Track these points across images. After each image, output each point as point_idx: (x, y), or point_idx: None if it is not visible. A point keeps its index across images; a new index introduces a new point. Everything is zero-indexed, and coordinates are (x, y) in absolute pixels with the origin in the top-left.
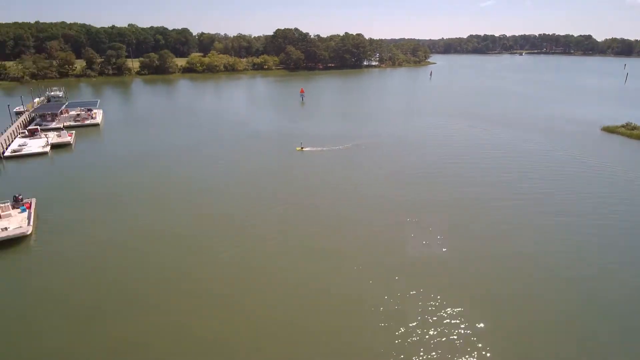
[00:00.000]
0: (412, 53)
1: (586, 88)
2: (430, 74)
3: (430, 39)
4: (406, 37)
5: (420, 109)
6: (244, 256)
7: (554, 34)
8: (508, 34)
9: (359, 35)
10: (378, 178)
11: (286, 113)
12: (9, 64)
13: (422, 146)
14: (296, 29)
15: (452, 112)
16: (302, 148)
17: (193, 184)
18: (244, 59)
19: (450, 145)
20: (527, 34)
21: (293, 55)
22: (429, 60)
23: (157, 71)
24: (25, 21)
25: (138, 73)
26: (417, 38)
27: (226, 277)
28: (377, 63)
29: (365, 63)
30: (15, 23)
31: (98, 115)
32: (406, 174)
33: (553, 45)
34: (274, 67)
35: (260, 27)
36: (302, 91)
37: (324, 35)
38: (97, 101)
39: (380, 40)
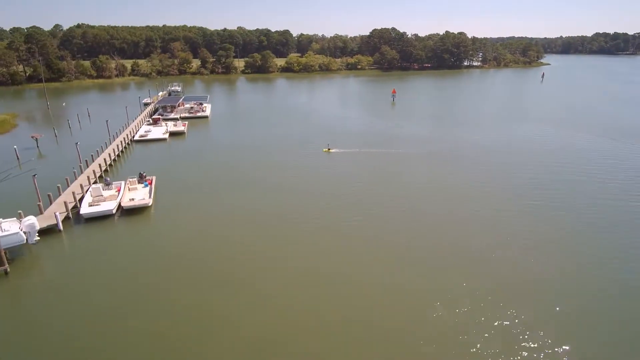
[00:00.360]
0: (522, 53)
1: None
2: (542, 76)
3: (545, 38)
4: (516, 36)
5: (523, 114)
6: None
7: None
8: None
9: (460, 34)
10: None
11: (374, 113)
12: (140, 61)
13: (508, 158)
14: (393, 29)
15: (563, 120)
16: (329, 149)
17: (275, 173)
18: (339, 59)
19: (546, 159)
20: None
21: (388, 55)
22: (541, 60)
23: (259, 70)
24: (155, 24)
25: (242, 72)
26: (529, 36)
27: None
28: (479, 63)
29: (465, 63)
30: (147, 26)
31: (207, 109)
32: (455, 188)
33: None
34: (367, 67)
35: (357, 28)
36: (393, 92)
37: (422, 34)
38: (207, 96)
39: (485, 39)
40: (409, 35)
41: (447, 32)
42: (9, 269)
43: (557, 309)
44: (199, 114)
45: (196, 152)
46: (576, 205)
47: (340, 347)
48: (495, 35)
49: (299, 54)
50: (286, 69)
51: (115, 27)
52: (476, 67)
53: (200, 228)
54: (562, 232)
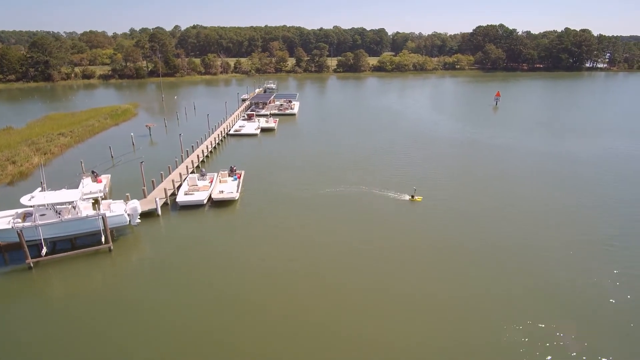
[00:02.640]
0: None
1: None
2: None
3: None
4: None
5: None
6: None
7: None
8: None
9: (584, 31)
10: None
11: (471, 118)
12: (242, 60)
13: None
14: (501, 26)
15: None
16: (413, 197)
17: (355, 176)
18: (435, 58)
19: None
20: None
21: (492, 54)
22: None
23: (350, 69)
24: (257, 25)
25: (334, 70)
26: None
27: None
28: (605, 65)
29: (587, 65)
30: (251, 27)
31: (295, 107)
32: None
33: None
34: (467, 67)
35: (458, 25)
36: (497, 94)
37: (535, 32)
38: (296, 94)
39: (615, 37)
40: (520, 33)
41: (567, 28)
42: (112, 247)
43: None
44: (287, 112)
45: (283, 150)
46: None
47: None
48: (627, 33)
49: (393, 53)
50: (378, 68)
51: (224, 27)
52: (601, 69)
53: (278, 228)
54: None
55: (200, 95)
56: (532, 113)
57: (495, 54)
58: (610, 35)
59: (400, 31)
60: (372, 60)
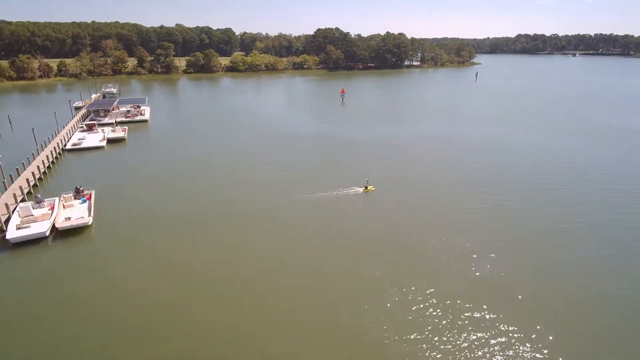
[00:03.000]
0: (456, 53)
1: None
2: (476, 75)
3: (475, 39)
4: (449, 37)
5: (464, 112)
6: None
7: (612, 34)
8: (560, 34)
9: (400, 34)
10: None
11: (325, 114)
12: (68, 61)
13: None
14: (337, 29)
15: (498, 117)
16: (367, 188)
17: (224, 180)
18: (285, 59)
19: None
20: (581, 33)
21: (333, 54)
22: (473, 60)
23: (202, 70)
24: (82, 21)
25: (184, 71)
26: (460, 37)
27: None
28: (418, 63)
29: (406, 63)
30: (74, 22)
31: (146, 112)
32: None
33: (610, 46)
34: (313, 67)
35: (301, 27)
36: (342, 91)
37: (364, 35)
38: (145, 98)
39: (423, 39)
40: (353, 36)
41: (387, 32)
42: None
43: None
44: (137, 118)
45: (138, 162)
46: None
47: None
48: (430, 36)
49: (243, 53)
50: (231, 69)
51: (36, 23)
52: (416, 66)
53: (148, 249)
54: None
55: (16, 105)
56: (372, 105)
57: (335, 54)
58: (420, 37)
59: (248, 31)
60: (224, 61)
